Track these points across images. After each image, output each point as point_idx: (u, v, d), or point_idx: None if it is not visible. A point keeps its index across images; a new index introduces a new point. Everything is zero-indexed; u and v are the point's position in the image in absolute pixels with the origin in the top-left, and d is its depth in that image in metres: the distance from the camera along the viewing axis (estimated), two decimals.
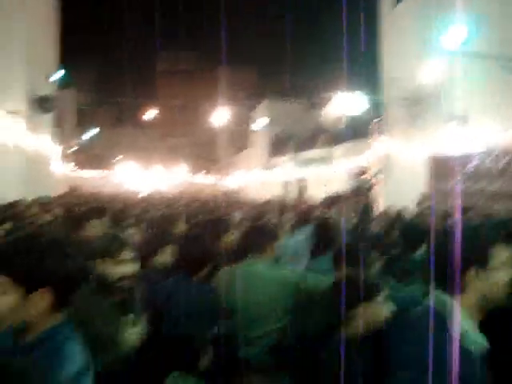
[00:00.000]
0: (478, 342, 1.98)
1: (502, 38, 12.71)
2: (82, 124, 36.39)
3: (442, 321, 1.97)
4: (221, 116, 27.51)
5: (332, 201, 10.80)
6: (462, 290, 2.03)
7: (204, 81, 44.79)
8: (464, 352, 1.88)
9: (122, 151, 40.20)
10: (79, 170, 37.05)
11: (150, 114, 36.97)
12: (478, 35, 13.49)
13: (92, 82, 43.31)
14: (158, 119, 42.69)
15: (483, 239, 2.07)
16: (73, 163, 34.74)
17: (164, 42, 44.59)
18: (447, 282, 2.04)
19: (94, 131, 35.76)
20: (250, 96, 42.86)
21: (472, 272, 2.02)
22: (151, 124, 43.08)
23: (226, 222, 5.88)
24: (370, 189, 19.73)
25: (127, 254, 3.06)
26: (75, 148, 35.94)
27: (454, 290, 2.03)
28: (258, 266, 3.95)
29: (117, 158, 40.15)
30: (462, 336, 1.92)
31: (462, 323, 1.96)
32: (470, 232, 2.08)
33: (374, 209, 16.16)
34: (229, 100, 37.82)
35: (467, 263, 2.01)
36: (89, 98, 40.79)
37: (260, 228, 4.47)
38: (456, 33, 13.41)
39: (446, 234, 2.11)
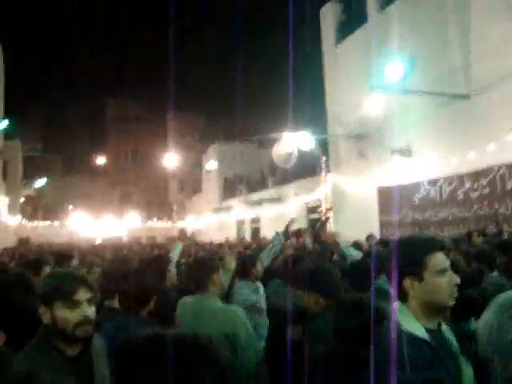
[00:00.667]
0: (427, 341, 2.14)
1: (436, 75, 13.36)
2: (30, 175, 35.77)
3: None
4: (171, 161, 27.61)
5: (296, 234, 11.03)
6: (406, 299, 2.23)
7: (153, 127, 44.88)
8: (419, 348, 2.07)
9: (73, 200, 39.60)
10: (28, 222, 36.26)
11: (100, 161, 36.82)
12: (414, 72, 14.18)
13: (39, 131, 42.81)
14: (108, 167, 42.47)
15: (417, 251, 2.26)
16: (21, 215, 34.00)
17: (112, 90, 44.62)
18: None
19: (43, 181, 35.21)
20: (199, 140, 43.21)
21: (407, 282, 2.21)
22: (101, 172, 42.78)
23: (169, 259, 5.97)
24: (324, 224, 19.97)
25: (84, 295, 2.40)
26: (23, 199, 35.22)
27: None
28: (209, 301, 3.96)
29: (68, 208, 39.48)
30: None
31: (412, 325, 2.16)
32: (409, 244, 2.30)
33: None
34: (178, 145, 38.05)
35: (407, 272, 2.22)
36: (36, 147, 40.26)
37: (202, 263, 4.41)
38: (394, 69, 14.05)
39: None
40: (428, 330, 2.16)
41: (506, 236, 9.20)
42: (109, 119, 45.03)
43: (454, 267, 5.35)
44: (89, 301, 2.38)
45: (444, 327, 2.26)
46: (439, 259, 2.23)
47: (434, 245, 2.27)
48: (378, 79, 14.59)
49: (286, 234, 7.25)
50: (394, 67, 14.24)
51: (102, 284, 4.65)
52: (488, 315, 1.50)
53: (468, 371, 2.19)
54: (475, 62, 12.40)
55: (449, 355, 2.13)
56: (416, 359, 2.02)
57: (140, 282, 3.81)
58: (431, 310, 2.20)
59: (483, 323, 1.50)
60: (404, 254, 2.23)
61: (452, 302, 2.20)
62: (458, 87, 12.98)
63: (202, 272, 4.12)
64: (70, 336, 2.31)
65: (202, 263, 4.36)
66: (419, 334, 2.14)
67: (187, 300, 4.10)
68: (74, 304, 2.33)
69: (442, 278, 2.19)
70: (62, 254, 7.44)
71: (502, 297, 1.54)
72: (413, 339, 2.09)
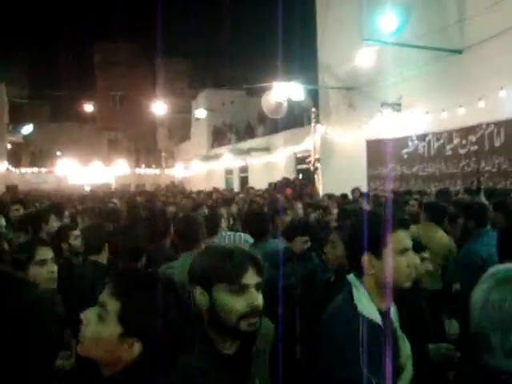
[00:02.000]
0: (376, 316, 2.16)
1: (429, 29, 13.18)
2: (17, 121, 35.21)
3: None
4: (160, 108, 27.27)
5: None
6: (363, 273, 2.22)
7: (142, 73, 44.06)
8: (370, 323, 2.10)
9: (60, 147, 39.21)
10: (15, 169, 35.95)
11: (88, 107, 36.27)
12: (408, 25, 13.98)
13: (25, 75, 41.94)
14: (96, 113, 41.94)
15: (381, 226, 2.20)
16: (8, 162, 33.67)
17: (100, 33, 43.50)
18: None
19: (29, 128, 34.75)
20: (188, 86, 42.62)
21: (366, 257, 2.19)
22: (89, 118, 42.23)
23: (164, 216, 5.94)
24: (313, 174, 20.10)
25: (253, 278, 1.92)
26: (9, 146, 34.84)
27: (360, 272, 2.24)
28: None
29: (55, 155, 39.12)
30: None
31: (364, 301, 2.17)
32: (374, 220, 2.22)
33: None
34: (167, 91, 37.53)
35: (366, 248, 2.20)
36: (22, 94, 39.53)
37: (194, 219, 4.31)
38: (387, 22, 13.85)
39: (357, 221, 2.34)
40: (379, 312, 2.16)
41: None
42: (96, 64, 44.17)
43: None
44: (259, 286, 1.92)
45: (392, 309, 2.28)
46: (401, 238, 2.22)
47: (396, 223, 2.23)
48: (370, 31, 14.39)
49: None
50: (387, 19, 14.04)
51: (88, 238, 4.66)
52: (486, 289, 1.52)
53: (406, 349, 2.27)
54: (470, 17, 12.21)
55: (391, 337, 2.16)
56: (370, 347, 2.03)
57: (131, 240, 3.85)
58: (385, 289, 2.18)
59: (481, 298, 1.52)
60: (365, 230, 2.18)
61: (408, 284, 2.20)
62: (451, 42, 12.83)
63: (195, 228, 4.08)
64: (232, 329, 1.86)
65: (194, 219, 4.30)
66: (375, 319, 2.13)
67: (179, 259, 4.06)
68: (240, 289, 1.87)
69: (401, 257, 2.18)
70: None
71: (501, 271, 1.56)
72: (370, 325, 2.09)
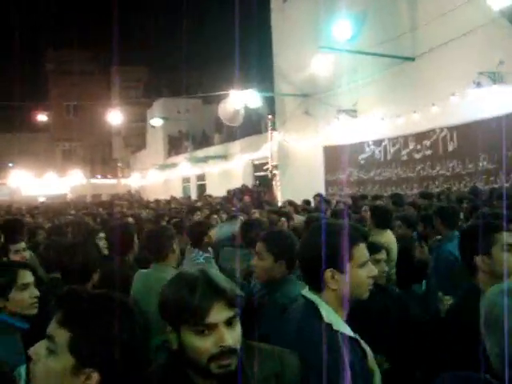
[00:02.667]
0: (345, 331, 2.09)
1: (383, 37, 13.46)
2: None
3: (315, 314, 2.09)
4: (116, 117, 26.93)
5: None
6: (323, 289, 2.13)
7: (97, 81, 43.49)
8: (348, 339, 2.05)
9: (13, 158, 38.21)
10: None
11: (41, 117, 35.50)
12: (362, 32, 14.25)
13: None
14: (50, 123, 41.11)
15: (344, 240, 2.11)
16: None
17: (53, 40, 42.59)
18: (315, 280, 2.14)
19: None
20: (143, 95, 42.24)
21: (329, 273, 2.10)
22: (42, 128, 41.35)
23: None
24: (270, 181, 20.19)
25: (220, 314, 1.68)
26: None
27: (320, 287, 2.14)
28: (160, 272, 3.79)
29: (8, 166, 38.13)
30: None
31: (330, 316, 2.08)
32: (333, 233, 2.12)
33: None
34: (122, 100, 37.12)
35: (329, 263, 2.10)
36: None
37: (162, 231, 4.25)
38: (342, 29, 14.06)
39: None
40: None
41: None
42: (49, 72, 43.30)
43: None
44: (230, 321, 1.67)
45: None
46: (362, 251, 2.17)
47: (358, 235, 2.18)
48: (325, 38, 14.59)
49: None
50: (342, 27, 14.25)
51: (44, 256, 4.50)
52: (488, 296, 1.61)
53: (369, 352, 2.24)
54: (421, 26, 12.53)
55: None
56: (355, 362, 2.01)
57: (82, 257, 3.54)
58: (345, 302, 2.13)
59: (485, 302, 1.62)
60: (328, 244, 2.07)
61: (367, 295, 2.16)
62: (404, 50, 13.14)
63: (163, 241, 4.02)
64: (205, 371, 1.66)
65: (162, 231, 4.24)
66: (349, 333, 2.10)
67: (142, 272, 4.05)
68: (206, 329, 1.64)
69: (363, 270, 2.14)
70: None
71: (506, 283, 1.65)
72: (349, 341, 2.05)
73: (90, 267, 3.57)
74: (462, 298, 2.76)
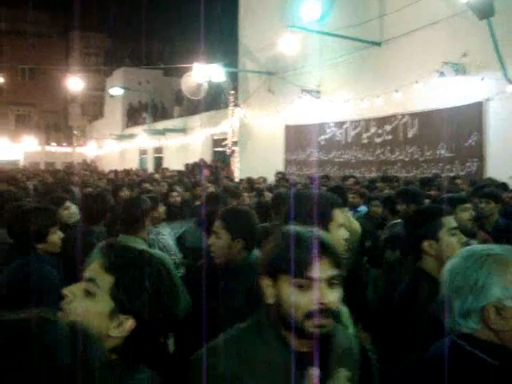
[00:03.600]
0: None
1: (351, 20, 13.57)
2: None
3: None
4: (74, 83, 26.27)
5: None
6: None
7: (55, 45, 42.14)
8: None
9: None
10: None
11: None
12: (330, 15, 14.32)
13: None
14: (3, 85, 39.79)
15: (323, 204, 2.36)
16: None
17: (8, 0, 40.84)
18: None
19: None
20: (103, 63, 41.32)
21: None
22: None
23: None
24: (229, 158, 20.21)
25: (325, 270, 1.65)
26: None
27: None
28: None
29: None
30: None
31: None
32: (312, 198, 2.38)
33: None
34: (82, 66, 36.26)
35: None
36: None
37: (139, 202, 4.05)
38: (310, 10, 14.09)
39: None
40: None
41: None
42: (2, 33, 41.68)
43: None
44: (332, 281, 1.61)
45: None
46: (339, 214, 2.44)
47: (336, 201, 2.48)
48: (293, 17, 14.59)
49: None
50: (311, 7, 14.28)
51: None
52: (454, 261, 1.72)
53: None
54: (390, 12, 12.67)
55: None
56: None
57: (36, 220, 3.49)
58: None
59: (449, 267, 1.73)
60: (311, 207, 2.29)
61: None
62: (371, 34, 13.28)
63: (138, 212, 3.83)
64: (299, 329, 1.60)
65: (140, 202, 4.02)
66: None
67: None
68: (307, 282, 1.58)
69: (340, 231, 2.39)
70: None
71: (464, 251, 1.79)
72: None
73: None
74: (410, 283, 2.78)
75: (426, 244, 2.68)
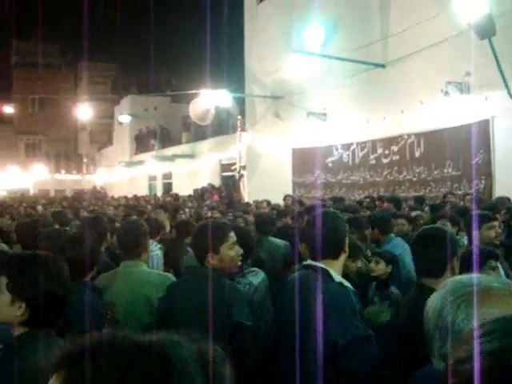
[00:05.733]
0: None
1: (355, 43, 13.73)
2: None
3: None
4: (83, 112, 26.61)
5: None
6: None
7: (64, 76, 42.70)
8: None
9: None
10: None
11: (5, 109, 34.70)
12: (334, 38, 14.48)
13: None
14: (14, 115, 40.31)
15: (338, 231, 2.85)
16: None
17: (19, 32, 41.61)
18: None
19: None
20: (111, 91, 41.82)
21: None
22: (7, 120, 40.51)
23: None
24: (238, 182, 20.29)
25: None
26: None
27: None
28: (134, 269, 3.67)
29: None
30: None
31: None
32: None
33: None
34: (90, 95, 36.70)
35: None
36: None
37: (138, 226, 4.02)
38: (315, 34, 14.27)
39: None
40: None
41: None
42: (14, 65, 42.39)
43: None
44: None
45: None
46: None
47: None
48: (298, 42, 14.77)
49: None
50: (315, 31, 14.46)
51: None
52: (435, 299, 1.63)
53: None
54: (392, 34, 12.83)
55: None
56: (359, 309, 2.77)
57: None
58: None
59: (430, 305, 1.63)
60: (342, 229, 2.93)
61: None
62: (375, 56, 13.41)
63: (139, 235, 3.79)
64: None
65: (138, 226, 3.94)
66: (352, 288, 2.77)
67: (120, 271, 3.74)
68: None
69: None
70: None
71: (449, 283, 1.67)
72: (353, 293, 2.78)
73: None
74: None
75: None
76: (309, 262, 2.82)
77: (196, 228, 3.47)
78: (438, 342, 1.53)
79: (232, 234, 3.21)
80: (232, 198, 17.16)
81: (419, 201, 9.49)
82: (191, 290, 3.08)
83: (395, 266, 4.41)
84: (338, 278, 2.71)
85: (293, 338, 2.49)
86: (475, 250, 3.53)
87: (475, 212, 4.91)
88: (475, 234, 4.31)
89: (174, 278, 3.71)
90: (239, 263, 3.29)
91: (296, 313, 2.53)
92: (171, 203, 13.94)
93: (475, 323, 1.40)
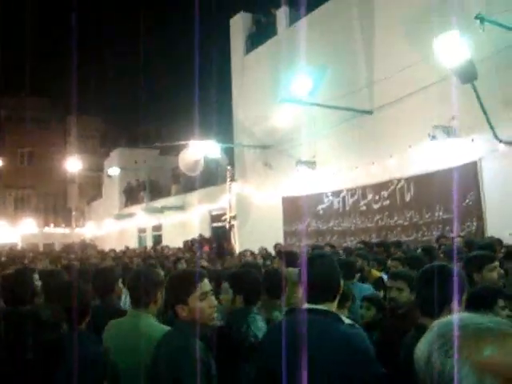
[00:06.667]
0: None
1: (342, 90, 13.96)
2: None
3: None
4: (71, 165, 26.61)
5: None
6: None
7: (53, 129, 42.91)
8: None
9: None
10: None
11: None
12: (321, 86, 14.70)
13: None
14: (2, 169, 40.23)
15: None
16: None
17: (6, 87, 41.89)
18: None
19: None
20: (100, 144, 42.03)
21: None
22: None
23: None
24: (228, 232, 20.18)
25: None
26: None
27: None
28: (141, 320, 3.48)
29: None
30: None
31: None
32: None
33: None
34: (79, 149, 36.82)
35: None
36: None
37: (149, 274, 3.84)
38: (302, 82, 14.48)
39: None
40: None
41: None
42: (3, 119, 42.56)
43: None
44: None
45: None
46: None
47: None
48: (285, 91, 14.97)
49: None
50: (302, 81, 14.68)
51: None
52: (422, 344, 1.46)
53: None
54: (378, 80, 13.06)
55: None
56: None
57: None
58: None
59: (418, 351, 1.46)
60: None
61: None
62: (362, 103, 13.61)
63: (148, 285, 3.57)
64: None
65: (149, 274, 3.77)
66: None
67: (121, 321, 3.63)
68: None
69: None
70: None
71: (436, 325, 1.49)
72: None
73: None
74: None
75: None
76: (311, 305, 2.67)
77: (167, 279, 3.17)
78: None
79: (205, 282, 2.94)
80: (223, 248, 17.02)
81: (398, 245, 9.60)
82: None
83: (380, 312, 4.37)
84: (347, 320, 2.68)
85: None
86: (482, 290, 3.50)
87: (475, 254, 4.83)
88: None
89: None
90: (214, 315, 3.00)
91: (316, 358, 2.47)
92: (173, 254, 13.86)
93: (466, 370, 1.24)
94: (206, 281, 2.95)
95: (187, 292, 2.85)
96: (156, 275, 3.78)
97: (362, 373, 2.44)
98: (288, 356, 2.48)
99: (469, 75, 9.37)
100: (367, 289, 5.37)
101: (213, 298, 2.98)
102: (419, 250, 7.83)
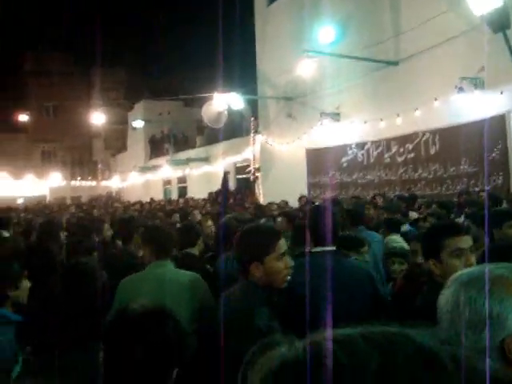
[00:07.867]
0: None
1: (367, 41, 13.66)
2: None
3: None
4: (97, 118, 26.72)
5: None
6: None
7: (77, 83, 42.91)
8: None
9: None
10: None
11: (20, 118, 34.85)
12: (346, 37, 14.41)
13: None
14: (29, 124, 40.62)
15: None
16: None
17: (31, 41, 41.84)
18: None
19: None
20: (124, 97, 41.99)
21: None
22: (21, 129, 40.87)
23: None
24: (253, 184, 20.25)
25: None
26: None
27: None
28: (164, 270, 3.65)
29: None
30: None
31: None
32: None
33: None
34: (103, 101, 36.90)
35: None
36: None
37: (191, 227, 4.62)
38: (326, 33, 14.21)
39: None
40: None
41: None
42: (28, 73, 42.67)
43: None
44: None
45: None
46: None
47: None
48: (309, 42, 14.72)
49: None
50: (326, 31, 14.41)
51: None
52: (453, 293, 1.48)
53: None
54: (404, 31, 12.73)
55: None
56: None
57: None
58: None
59: (448, 302, 1.48)
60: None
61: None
62: (387, 54, 13.33)
63: (170, 237, 3.87)
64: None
65: (164, 229, 4.00)
66: None
67: (148, 273, 3.72)
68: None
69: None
70: None
71: (464, 274, 1.53)
72: None
73: None
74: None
75: (430, 263, 2.66)
76: (318, 248, 3.36)
77: (237, 235, 2.90)
78: (472, 336, 1.37)
79: (282, 241, 2.76)
80: (244, 200, 17.11)
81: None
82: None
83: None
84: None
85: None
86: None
87: (495, 210, 4.82)
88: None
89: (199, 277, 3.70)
90: (288, 278, 2.76)
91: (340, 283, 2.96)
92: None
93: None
94: (283, 240, 2.79)
95: (265, 251, 2.66)
96: (171, 230, 4.30)
97: (372, 289, 3.35)
98: (319, 284, 2.75)
99: (501, 23, 9.09)
100: (374, 236, 5.58)
101: (289, 257, 2.80)
102: (434, 206, 7.84)
